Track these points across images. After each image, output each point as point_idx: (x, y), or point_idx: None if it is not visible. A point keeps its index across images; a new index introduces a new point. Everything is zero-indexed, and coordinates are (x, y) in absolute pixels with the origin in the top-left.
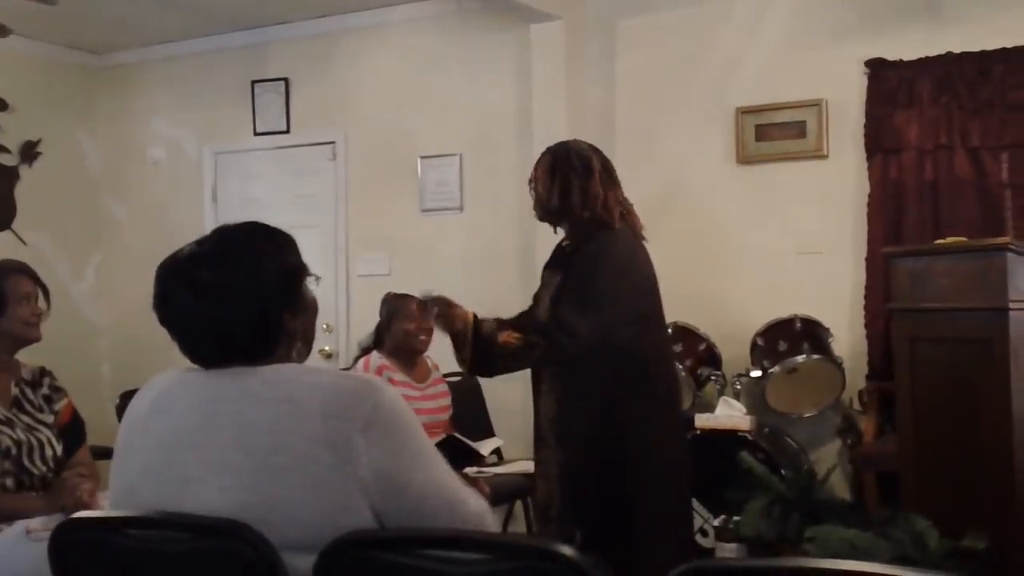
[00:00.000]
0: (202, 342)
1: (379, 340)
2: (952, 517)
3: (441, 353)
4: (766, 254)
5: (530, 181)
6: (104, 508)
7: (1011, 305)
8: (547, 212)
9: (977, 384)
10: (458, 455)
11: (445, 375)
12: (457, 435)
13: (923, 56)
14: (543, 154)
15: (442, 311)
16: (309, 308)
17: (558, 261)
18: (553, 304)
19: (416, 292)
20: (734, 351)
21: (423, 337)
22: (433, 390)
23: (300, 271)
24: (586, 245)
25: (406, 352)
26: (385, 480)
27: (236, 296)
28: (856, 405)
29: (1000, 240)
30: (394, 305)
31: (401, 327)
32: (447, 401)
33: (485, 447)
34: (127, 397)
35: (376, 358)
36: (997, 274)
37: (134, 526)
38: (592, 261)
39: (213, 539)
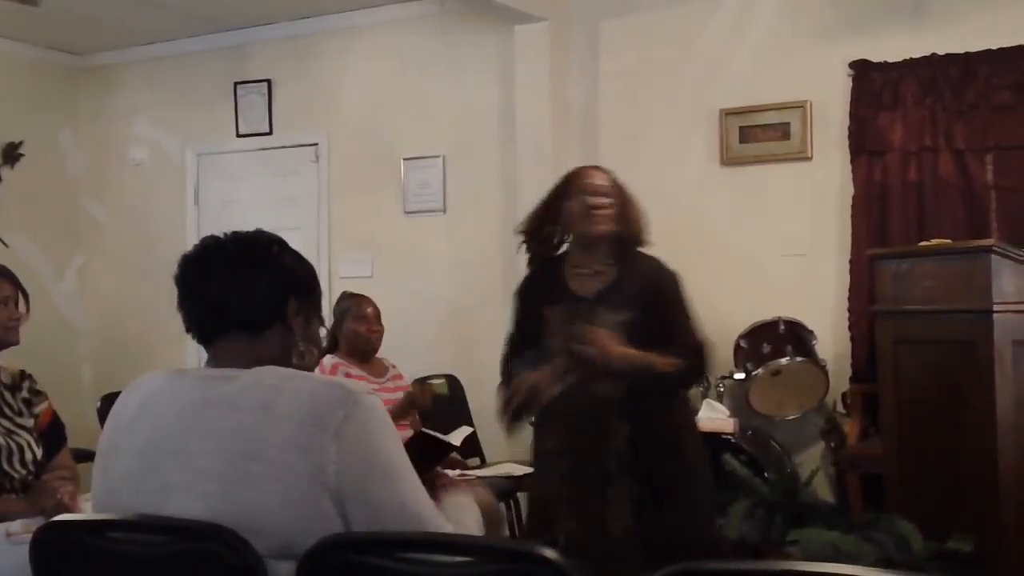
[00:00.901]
0: (202, 302)
1: (334, 342)
2: (936, 519)
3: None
4: (750, 256)
5: (607, 198)
6: (85, 511)
7: (995, 307)
8: (616, 233)
9: (961, 386)
10: (430, 450)
11: (424, 377)
12: (426, 430)
13: (907, 58)
14: (610, 172)
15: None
16: (315, 318)
17: (607, 293)
18: (642, 340)
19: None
20: (717, 353)
21: (374, 337)
22: (392, 384)
23: (316, 281)
24: (648, 263)
25: (360, 352)
26: (351, 490)
27: (248, 263)
28: (840, 407)
29: (985, 242)
30: (346, 305)
31: (352, 327)
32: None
33: (456, 437)
34: (108, 400)
35: (330, 359)
36: (981, 276)
37: (115, 529)
38: (671, 279)
39: (194, 542)
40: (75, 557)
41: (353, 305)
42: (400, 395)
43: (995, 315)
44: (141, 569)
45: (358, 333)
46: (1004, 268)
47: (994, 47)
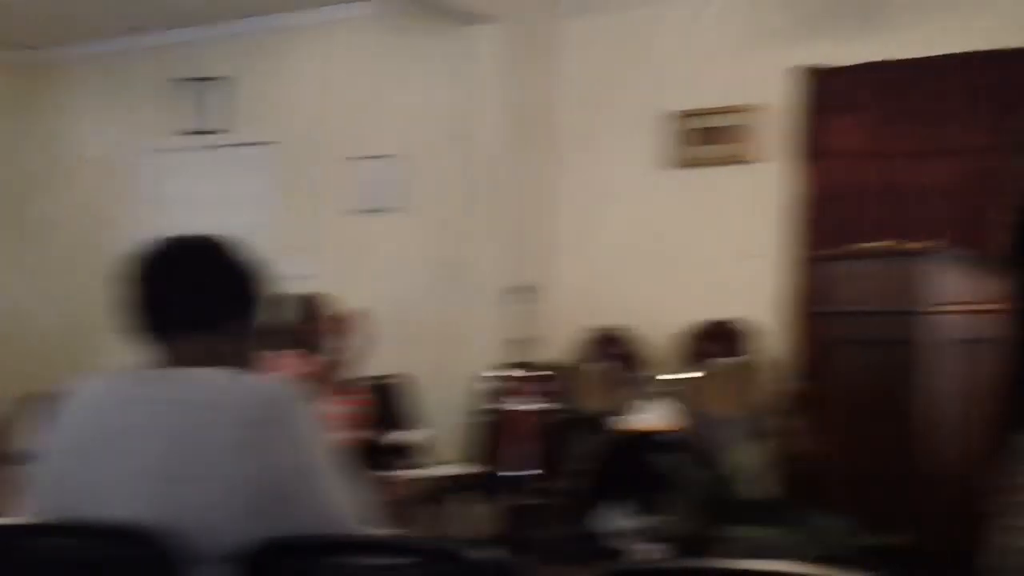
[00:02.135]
0: (150, 300)
1: (292, 340)
2: (872, 514)
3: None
4: (697, 257)
5: None
6: (18, 512)
7: (932, 308)
8: None
9: (897, 384)
10: (382, 450)
11: (378, 376)
12: (380, 431)
13: (855, 63)
14: None
15: None
16: (264, 322)
17: None
18: None
19: None
20: (662, 353)
21: (339, 336)
22: (349, 386)
23: (268, 286)
24: None
25: (319, 350)
26: (286, 492)
27: (201, 263)
28: (780, 406)
29: (921, 245)
30: (308, 306)
31: (315, 326)
32: (366, 396)
33: (411, 437)
34: (50, 400)
35: (285, 356)
36: (917, 277)
37: (44, 533)
38: None
39: (124, 547)
40: (3, 562)
41: (314, 305)
42: (359, 397)
43: (932, 316)
44: (70, 574)
45: (319, 332)
46: (940, 270)
47: (938, 54)
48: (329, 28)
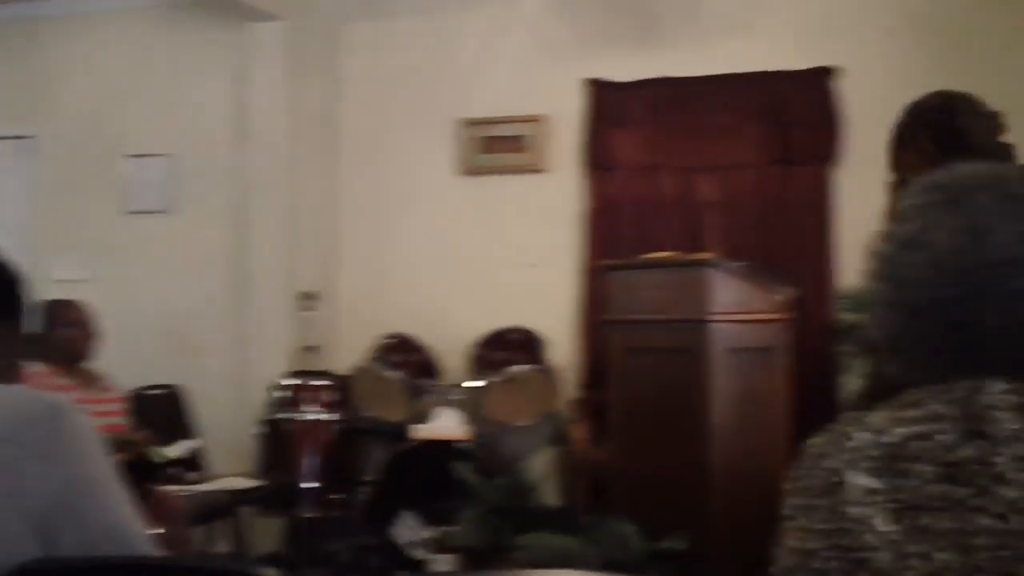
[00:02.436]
0: None
1: (41, 351)
2: (655, 520)
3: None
4: (486, 265)
5: None
6: None
7: (712, 317)
8: None
9: (680, 391)
10: (149, 464)
11: (145, 388)
12: (146, 444)
13: (637, 79)
14: None
15: None
16: (17, 329)
17: None
18: None
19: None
20: (453, 361)
21: (86, 343)
22: (106, 395)
23: (21, 289)
24: None
25: (70, 360)
26: (57, 512)
27: None
28: (570, 414)
29: (703, 256)
30: (53, 311)
31: (61, 334)
32: (121, 407)
33: (177, 450)
34: None
35: (35, 368)
36: (699, 287)
37: None
38: None
39: None
40: None
41: (60, 311)
42: (114, 407)
43: (711, 324)
44: None
45: (67, 340)
46: (720, 280)
47: (715, 73)
48: (101, 18)
